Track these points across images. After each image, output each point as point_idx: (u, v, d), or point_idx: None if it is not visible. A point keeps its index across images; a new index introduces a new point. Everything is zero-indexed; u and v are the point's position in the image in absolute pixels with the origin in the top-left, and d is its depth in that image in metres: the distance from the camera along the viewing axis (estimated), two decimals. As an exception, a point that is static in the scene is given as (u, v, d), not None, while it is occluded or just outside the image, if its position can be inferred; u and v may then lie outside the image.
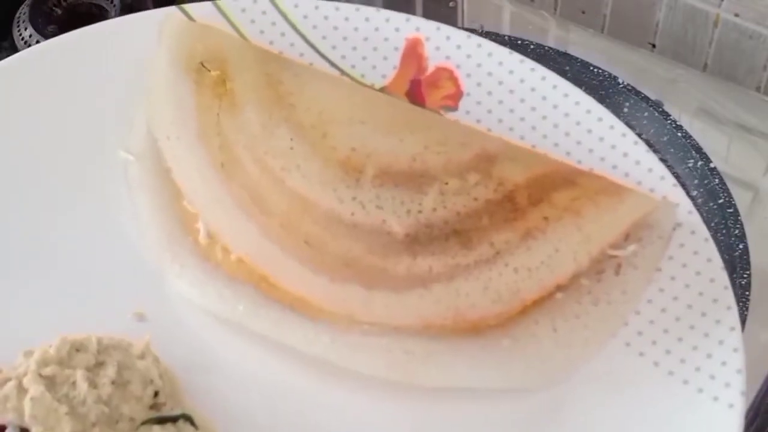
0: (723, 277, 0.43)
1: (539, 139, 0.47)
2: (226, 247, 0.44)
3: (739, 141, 0.57)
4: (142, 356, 0.40)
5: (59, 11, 0.58)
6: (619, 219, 0.44)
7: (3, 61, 0.49)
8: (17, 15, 0.59)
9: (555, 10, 0.61)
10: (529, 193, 0.44)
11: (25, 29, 0.56)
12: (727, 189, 0.53)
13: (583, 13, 0.60)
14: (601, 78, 0.60)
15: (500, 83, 0.48)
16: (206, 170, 0.45)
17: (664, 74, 0.59)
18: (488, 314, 0.42)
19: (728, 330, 0.42)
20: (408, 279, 0.42)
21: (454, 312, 0.42)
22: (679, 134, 0.57)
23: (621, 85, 0.59)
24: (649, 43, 0.60)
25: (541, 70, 0.48)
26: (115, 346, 0.40)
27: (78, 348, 0.40)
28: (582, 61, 0.61)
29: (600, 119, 0.47)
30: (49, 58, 0.48)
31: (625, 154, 0.46)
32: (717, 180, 0.56)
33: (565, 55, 0.61)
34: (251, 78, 0.47)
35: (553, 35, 0.60)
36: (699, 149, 0.55)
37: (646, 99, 0.54)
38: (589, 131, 0.47)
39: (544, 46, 0.61)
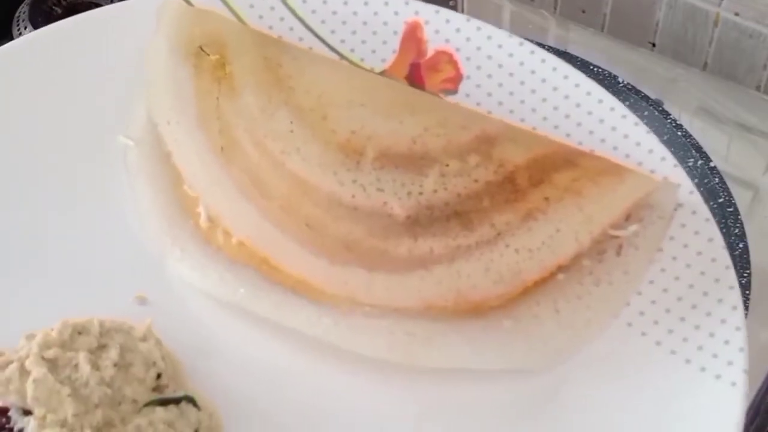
0: (724, 257, 0.43)
1: (539, 122, 0.47)
2: (227, 230, 0.44)
3: (739, 140, 0.57)
4: (144, 339, 0.40)
5: (59, 10, 0.58)
6: (620, 199, 0.43)
7: (1, 48, 0.48)
8: (17, 14, 0.59)
9: (555, 9, 0.61)
10: (530, 174, 0.44)
11: (25, 28, 0.56)
12: (727, 188, 0.53)
13: (583, 12, 0.60)
14: (601, 77, 0.60)
15: (500, 66, 0.48)
16: (206, 154, 0.45)
17: (664, 73, 0.59)
18: (490, 295, 0.42)
19: (730, 309, 0.42)
20: (409, 261, 0.42)
21: (456, 293, 0.42)
22: (679, 133, 0.57)
23: (621, 85, 0.59)
24: (649, 42, 0.60)
25: (541, 53, 0.48)
26: (117, 328, 0.40)
27: (80, 331, 0.40)
28: (582, 60, 0.60)
29: (600, 101, 0.47)
30: (48, 44, 0.48)
31: (626, 136, 0.46)
32: (717, 179, 0.56)
33: (565, 54, 0.61)
34: (250, 61, 0.46)
35: (553, 34, 0.59)
36: (699, 148, 0.54)
37: (646, 98, 0.54)
38: (590, 113, 0.47)
39: (544, 46, 0.60)
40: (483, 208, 0.43)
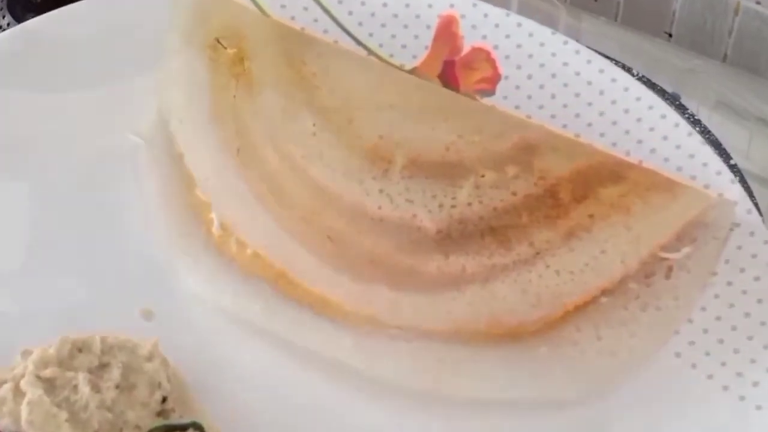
0: (785, 284, 0.40)
1: (583, 128, 0.45)
2: (241, 240, 0.42)
3: (760, 136, 0.56)
4: (149, 358, 0.39)
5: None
6: (672, 218, 0.42)
7: (8, 31, 0.47)
8: (-5, 4, 0.57)
9: (566, -3, 0.59)
10: (573, 188, 0.42)
11: (3, 17, 0.55)
12: (748, 187, 0.52)
13: (596, 0, 0.57)
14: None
15: (541, 66, 0.46)
16: (220, 156, 0.43)
17: (681, 65, 0.58)
18: (526, 319, 0.40)
19: (790, 342, 0.39)
20: (439, 279, 0.41)
21: (489, 316, 0.40)
22: (697, 129, 0.55)
23: (635, 77, 0.57)
24: (666, 32, 0.59)
25: (587, 53, 0.47)
26: (120, 346, 0.39)
27: (80, 348, 0.39)
28: (594, 51, 0.58)
29: (651, 107, 0.45)
30: (53, 31, 0.46)
31: (678, 147, 0.44)
32: (737, 177, 0.54)
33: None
34: (271, 57, 0.45)
35: (564, 24, 0.58)
36: (718, 145, 0.53)
37: (662, 91, 0.53)
38: (639, 120, 0.45)
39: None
40: (521, 224, 0.42)
